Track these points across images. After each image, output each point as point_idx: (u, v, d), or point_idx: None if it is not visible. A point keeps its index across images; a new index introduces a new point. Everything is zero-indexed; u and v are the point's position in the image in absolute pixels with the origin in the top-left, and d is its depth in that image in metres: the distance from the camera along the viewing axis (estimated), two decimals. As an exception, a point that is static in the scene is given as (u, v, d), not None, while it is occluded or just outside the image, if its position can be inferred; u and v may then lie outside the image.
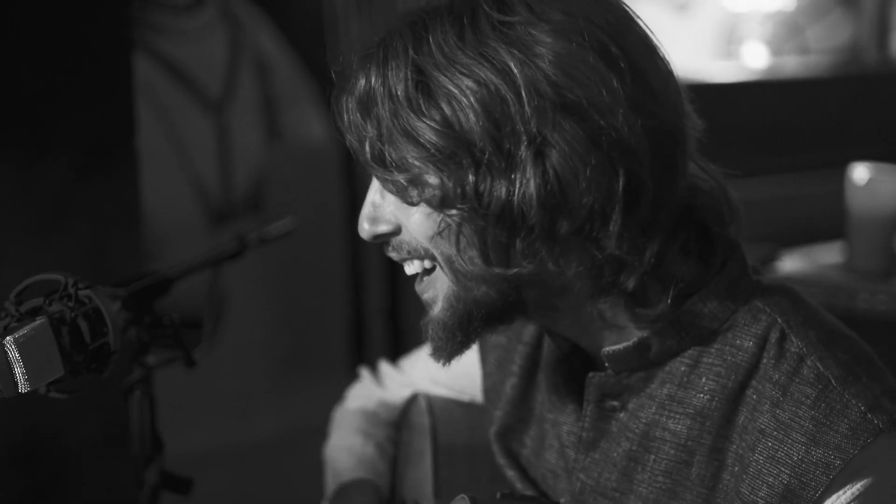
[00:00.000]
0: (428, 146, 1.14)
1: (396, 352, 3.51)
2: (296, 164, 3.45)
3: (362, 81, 1.18)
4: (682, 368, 1.23)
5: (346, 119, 1.20)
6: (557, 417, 1.34)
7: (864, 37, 4.64)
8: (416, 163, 1.15)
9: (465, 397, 1.54)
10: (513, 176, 1.13)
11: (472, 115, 1.12)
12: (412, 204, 1.18)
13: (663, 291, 1.21)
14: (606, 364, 1.25)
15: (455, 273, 1.19)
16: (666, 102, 1.18)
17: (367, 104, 1.17)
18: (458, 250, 1.17)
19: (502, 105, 1.12)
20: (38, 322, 1.19)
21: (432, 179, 1.15)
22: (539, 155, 1.12)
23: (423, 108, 1.14)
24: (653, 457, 1.24)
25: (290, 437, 3.14)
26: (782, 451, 1.15)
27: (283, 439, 3.14)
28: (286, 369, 3.33)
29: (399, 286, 3.55)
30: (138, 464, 1.40)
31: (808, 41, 4.61)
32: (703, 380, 1.22)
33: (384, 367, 1.72)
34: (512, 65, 1.13)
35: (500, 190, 1.13)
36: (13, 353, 1.17)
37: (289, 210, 1.83)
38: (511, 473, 1.40)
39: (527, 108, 1.12)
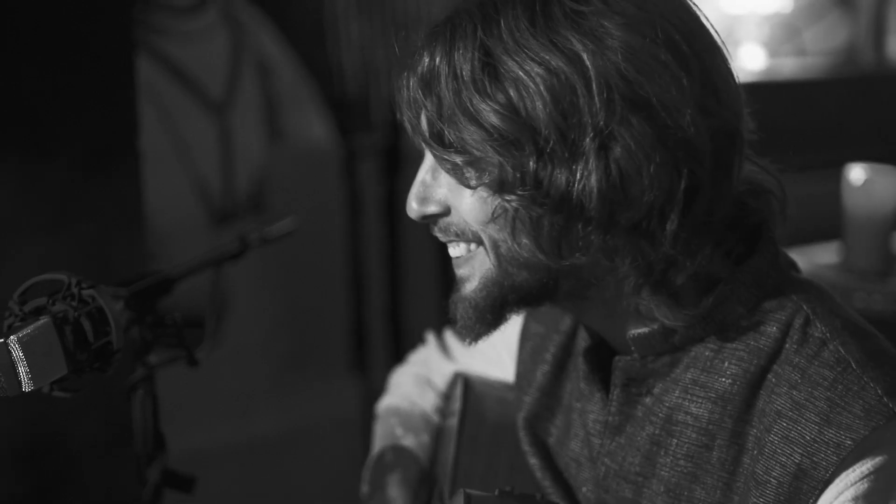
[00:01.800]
0: (490, 129, 1.13)
1: (397, 352, 3.51)
2: (297, 164, 3.45)
3: (426, 59, 1.17)
4: (707, 353, 1.23)
5: (405, 95, 1.19)
6: (585, 406, 1.34)
7: (860, 39, 4.64)
8: (476, 145, 1.15)
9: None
10: (574, 166, 1.13)
11: (539, 102, 1.12)
12: (468, 187, 1.18)
13: (705, 291, 1.21)
14: (632, 348, 1.25)
15: (500, 258, 1.20)
16: (728, 104, 1.19)
17: (429, 82, 1.17)
18: (512, 236, 1.17)
19: (572, 95, 1.12)
20: (41, 321, 1.19)
21: (491, 163, 1.15)
22: (603, 148, 1.12)
23: (489, 91, 1.13)
24: (675, 440, 1.24)
25: (290, 436, 3.14)
26: (795, 432, 1.15)
27: (283, 438, 3.14)
28: (287, 369, 3.33)
29: (400, 286, 3.56)
30: (141, 462, 1.40)
31: (806, 43, 4.60)
32: (726, 364, 1.22)
33: (450, 336, 1.70)
34: (584, 55, 1.12)
35: (561, 179, 1.13)
36: (17, 353, 1.17)
37: (290, 210, 1.83)
38: (534, 462, 1.40)
39: (596, 100, 1.11)
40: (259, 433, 3.13)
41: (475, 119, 1.14)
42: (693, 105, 1.14)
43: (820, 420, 1.14)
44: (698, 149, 1.14)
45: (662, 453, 1.25)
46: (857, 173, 2.70)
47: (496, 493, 1.29)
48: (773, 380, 1.19)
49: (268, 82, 3.42)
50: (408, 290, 3.56)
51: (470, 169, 1.17)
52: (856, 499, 1.13)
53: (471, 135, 1.15)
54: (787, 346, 1.19)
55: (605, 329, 1.29)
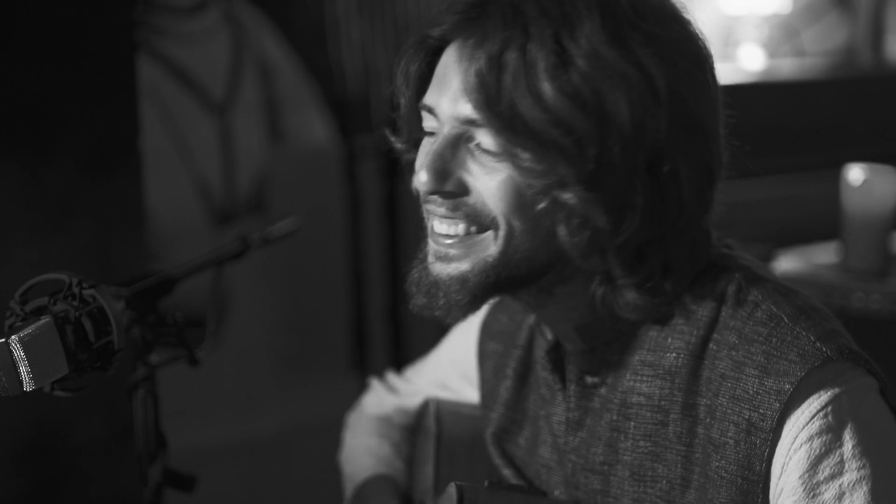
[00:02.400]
0: (559, 118, 1.14)
1: (397, 351, 3.52)
2: (298, 165, 3.46)
3: (497, 42, 1.16)
4: (651, 333, 1.26)
5: (466, 62, 1.18)
6: (549, 410, 1.36)
7: (859, 39, 4.64)
8: (540, 132, 1.15)
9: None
10: (627, 175, 1.16)
11: (612, 108, 1.14)
12: (522, 168, 1.17)
13: (670, 285, 1.24)
14: (580, 339, 1.28)
15: (509, 247, 1.20)
16: (719, 131, 1.25)
17: (499, 57, 1.16)
18: (551, 226, 1.18)
19: (642, 107, 1.15)
20: (42, 321, 1.19)
21: (551, 154, 1.15)
22: (656, 164, 1.17)
23: (562, 82, 1.14)
24: (633, 423, 1.26)
25: (291, 435, 3.15)
26: (740, 389, 1.18)
27: (284, 437, 3.14)
28: (287, 368, 3.34)
29: (400, 286, 3.56)
30: (142, 461, 1.40)
31: (804, 44, 4.61)
32: (670, 340, 1.24)
33: (392, 377, 1.73)
34: (656, 73, 1.16)
35: (613, 184, 1.16)
36: (18, 352, 1.17)
37: (291, 210, 1.83)
38: (507, 472, 1.42)
39: (664, 121, 1.16)
40: (259, 432, 3.14)
41: (543, 105, 1.14)
42: (721, 130, 1.22)
43: (759, 372, 1.17)
44: (717, 176, 1.22)
45: (623, 438, 1.27)
46: (855, 173, 2.70)
47: (486, 484, 1.30)
48: (714, 347, 1.22)
49: (269, 83, 3.43)
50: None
51: (525, 152, 1.16)
52: (810, 438, 1.15)
53: (535, 116, 1.15)
54: (723, 313, 1.23)
55: (558, 324, 1.30)
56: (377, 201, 3.56)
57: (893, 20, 4.67)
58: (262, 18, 3.48)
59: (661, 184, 1.17)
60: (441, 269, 1.23)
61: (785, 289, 1.24)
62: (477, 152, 1.20)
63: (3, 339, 1.17)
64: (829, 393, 1.16)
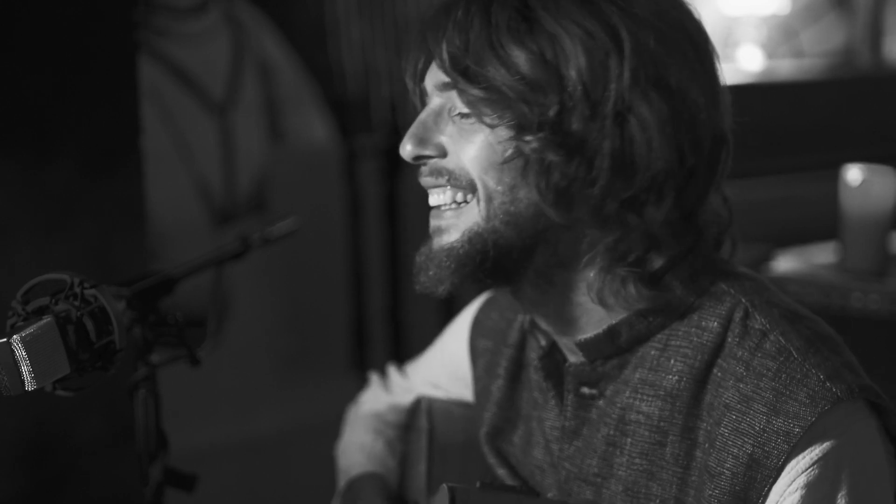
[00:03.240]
0: (518, 71, 1.17)
1: (397, 351, 3.52)
2: (298, 165, 3.46)
3: (462, 4, 1.21)
4: (653, 353, 1.26)
5: (432, 31, 1.22)
6: (542, 414, 1.36)
7: (857, 40, 4.64)
8: (502, 83, 1.18)
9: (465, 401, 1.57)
10: (592, 125, 1.17)
11: (572, 58, 1.17)
12: (488, 125, 1.20)
13: (674, 279, 1.24)
14: (581, 353, 1.28)
15: (491, 211, 1.22)
16: (724, 110, 1.25)
17: (462, 22, 1.20)
18: (522, 180, 1.20)
19: (604, 59, 1.17)
20: (44, 321, 1.19)
21: (512, 105, 1.18)
22: (621, 116, 1.17)
23: (523, 39, 1.18)
24: (629, 440, 1.26)
25: (292, 434, 3.15)
26: (745, 423, 1.18)
27: (285, 436, 3.15)
28: (288, 368, 3.34)
29: (400, 286, 3.57)
30: (143, 460, 1.40)
31: (803, 45, 4.61)
32: (672, 361, 1.24)
33: (392, 372, 1.74)
34: (621, 29, 1.18)
35: (578, 133, 1.17)
36: (20, 352, 1.17)
37: (291, 210, 1.84)
38: (501, 472, 1.42)
39: (626, 70, 1.17)
40: (260, 432, 3.14)
41: (504, 61, 1.18)
42: (702, 96, 1.20)
43: (768, 410, 1.17)
44: (700, 138, 1.20)
45: (618, 453, 1.27)
46: (854, 174, 2.70)
47: (478, 485, 1.30)
48: (719, 374, 1.22)
49: (269, 83, 3.43)
50: (408, 290, 3.56)
51: (489, 107, 1.20)
52: (807, 486, 1.16)
53: (497, 73, 1.18)
54: (728, 339, 1.22)
55: (556, 327, 1.30)
56: (377, 201, 3.57)
57: (892, 21, 4.67)
58: (263, 19, 3.49)
59: (629, 133, 1.17)
60: (436, 243, 1.26)
61: (792, 315, 1.23)
62: (457, 119, 1.24)
63: (5, 339, 1.17)
64: (832, 441, 1.16)
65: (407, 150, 1.26)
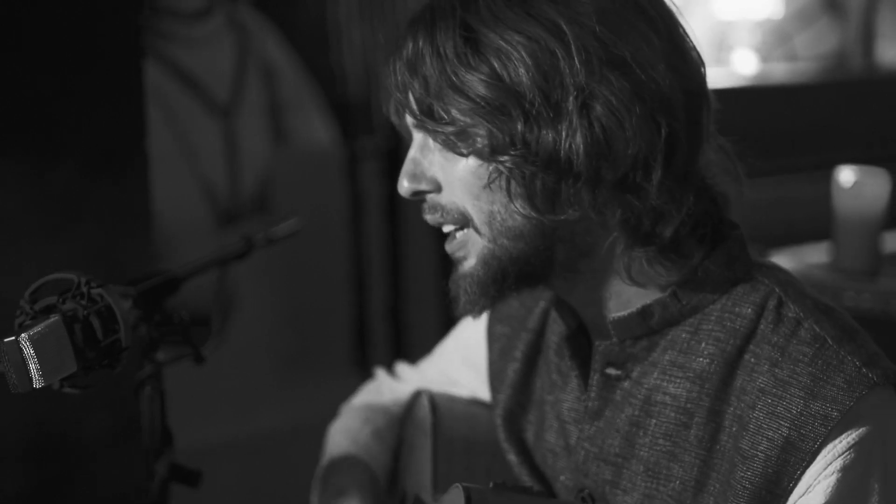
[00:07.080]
0: (477, 98, 1.19)
1: (398, 351, 3.53)
2: (301, 166, 3.47)
3: (410, 43, 1.23)
4: (683, 335, 1.27)
5: (393, 80, 1.25)
6: (558, 396, 1.37)
7: (850, 44, 4.64)
8: (465, 115, 1.20)
9: (482, 397, 1.57)
10: (560, 126, 1.18)
11: (521, 68, 1.18)
12: (461, 155, 1.22)
13: (694, 244, 1.26)
14: (612, 332, 1.29)
15: (493, 232, 1.24)
16: (692, 63, 1.25)
17: (414, 64, 1.22)
18: (506, 202, 1.21)
19: (552, 58, 1.17)
20: (51, 320, 1.20)
21: (481, 131, 1.20)
22: (585, 106, 1.18)
23: (472, 63, 1.19)
24: (654, 420, 1.27)
25: (294, 432, 3.15)
26: (782, 406, 1.19)
27: (287, 435, 3.15)
28: (290, 366, 3.35)
29: (401, 286, 3.58)
30: (148, 457, 1.41)
31: (796, 48, 4.61)
32: (703, 345, 1.25)
33: (400, 366, 1.75)
34: (560, 21, 1.18)
35: (548, 138, 1.18)
36: (28, 350, 1.19)
37: (294, 211, 1.85)
38: (512, 458, 1.43)
39: (576, 61, 1.17)
40: (262, 429, 3.14)
41: (461, 91, 1.19)
42: (664, 62, 1.20)
43: (805, 394, 1.18)
44: (672, 102, 1.20)
45: (641, 434, 1.28)
46: (846, 175, 2.71)
47: (491, 485, 1.30)
48: (752, 360, 1.23)
49: (272, 86, 3.44)
50: (409, 290, 3.58)
51: (461, 139, 1.21)
52: (843, 469, 1.17)
53: (459, 106, 1.20)
54: (761, 326, 1.24)
55: (588, 309, 1.32)
56: (378, 202, 3.58)
57: (884, 25, 4.67)
58: (266, 22, 3.50)
59: (598, 121, 1.18)
60: (458, 271, 1.29)
61: (825, 306, 1.25)
62: (438, 149, 1.26)
63: (14, 338, 1.19)
64: (868, 425, 1.18)
65: (404, 187, 1.28)
